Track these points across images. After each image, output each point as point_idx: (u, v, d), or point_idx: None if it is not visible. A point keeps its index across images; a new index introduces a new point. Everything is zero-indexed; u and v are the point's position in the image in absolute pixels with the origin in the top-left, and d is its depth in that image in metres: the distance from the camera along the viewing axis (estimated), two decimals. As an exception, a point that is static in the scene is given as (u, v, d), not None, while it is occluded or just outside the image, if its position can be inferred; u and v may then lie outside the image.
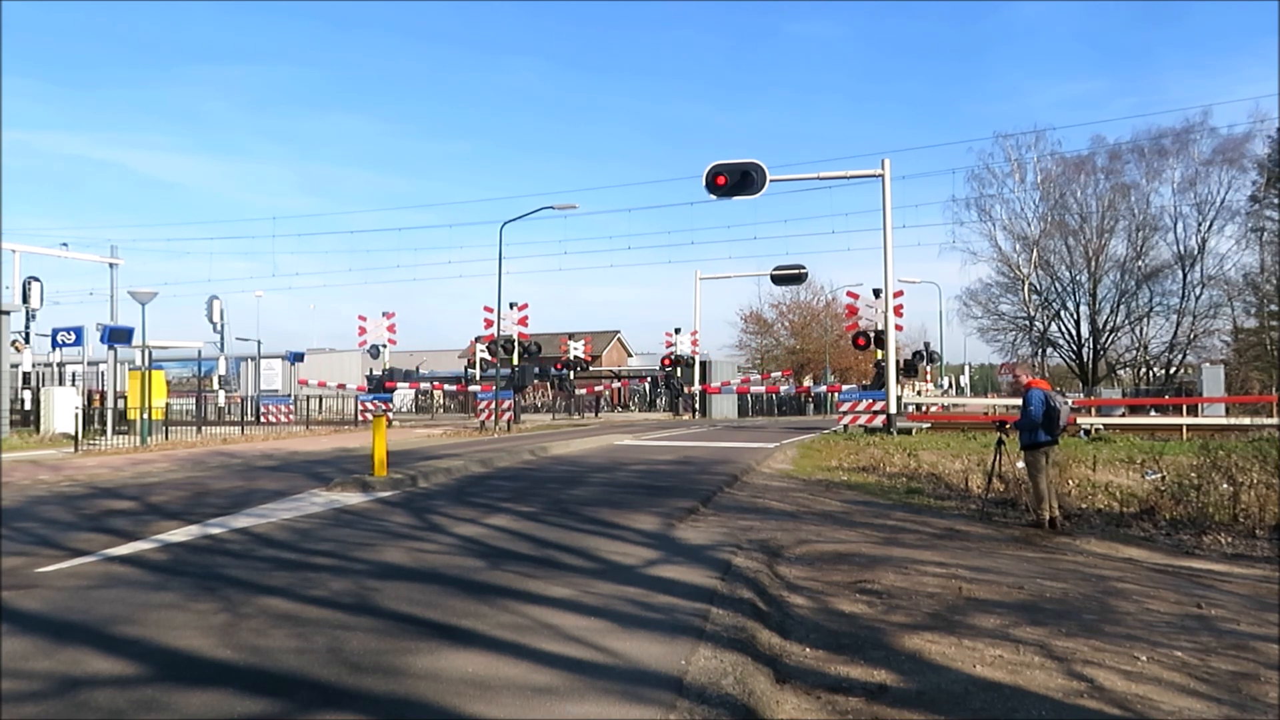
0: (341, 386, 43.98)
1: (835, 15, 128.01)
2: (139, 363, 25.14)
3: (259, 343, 42.86)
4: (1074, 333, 54.42)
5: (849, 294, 36.83)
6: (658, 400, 52.88)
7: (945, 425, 28.66)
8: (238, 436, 27.89)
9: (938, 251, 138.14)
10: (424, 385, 54.58)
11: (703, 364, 51.36)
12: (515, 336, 36.56)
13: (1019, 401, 11.60)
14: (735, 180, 26.12)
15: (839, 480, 15.30)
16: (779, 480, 15.28)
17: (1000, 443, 12.40)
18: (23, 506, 11.59)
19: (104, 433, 24.33)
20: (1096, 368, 52.85)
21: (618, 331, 70.50)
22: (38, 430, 26.03)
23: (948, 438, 24.14)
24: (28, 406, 28.96)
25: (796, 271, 44.51)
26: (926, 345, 46.89)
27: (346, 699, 4.44)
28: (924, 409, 32.65)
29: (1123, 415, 30.40)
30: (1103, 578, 7.77)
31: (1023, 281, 54.02)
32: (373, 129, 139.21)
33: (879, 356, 31.08)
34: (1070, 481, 14.13)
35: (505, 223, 35.79)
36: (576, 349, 47.38)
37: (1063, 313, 54.81)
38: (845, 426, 29.45)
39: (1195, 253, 50.39)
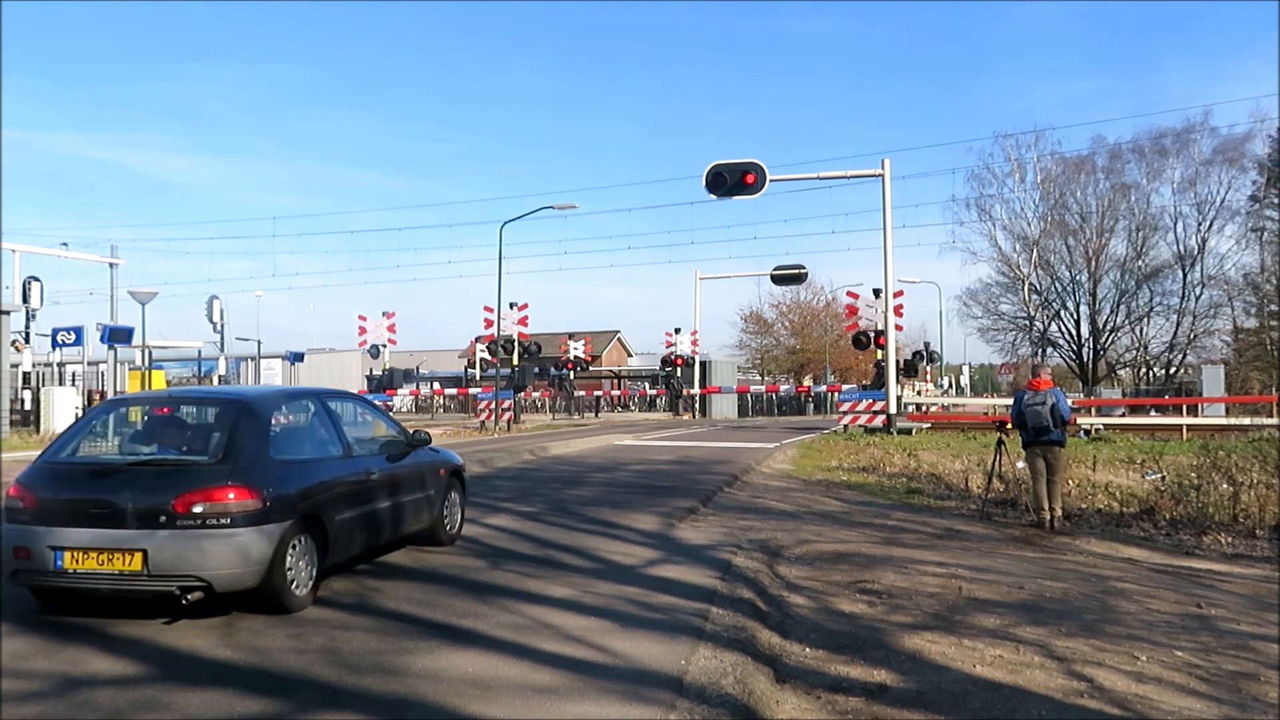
0: None
1: (835, 14, 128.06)
2: (139, 363, 25.17)
3: (259, 343, 42.92)
4: (1074, 333, 54.39)
5: (849, 294, 36.80)
6: (657, 400, 52.85)
7: (945, 425, 28.61)
8: (238, 436, 27.86)
9: (938, 251, 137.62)
10: (424, 390, 54.62)
11: (703, 364, 51.34)
12: (515, 336, 36.55)
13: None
14: (735, 180, 26.08)
15: (839, 480, 15.30)
16: (779, 480, 15.27)
17: (1000, 443, 12.39)
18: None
19: (104, 433, 24.32)
20: (1096, 368, 52.80)
21: (618, 331, 70.45)
22: (38, 430, 26.00)
23: (948, 438, 24.12)
24: (28, 406, 28.94)
25: (796, 271, 44.45)
26: (926, 345, 46.81)
27: (346, 698, 4.44)
28: (924, 409, 32.60)
29: (1123, 415, 30.36)
30: (1103, 578, 7.77)
31: (1023, 281, 53.99)
32: (373, 129, 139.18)
33: (879, 356, 31.04)
34: (1070, 481, 14.11)
35: (505, 223, 35.72)
36: (576, 349, 47.34)
37: (1063, 313, 54.79)
38: (845, 426, 29.42)
39: (1195, 253, 50.34)
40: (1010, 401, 17.30)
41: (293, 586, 6.02)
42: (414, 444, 7.95)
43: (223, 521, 5.64)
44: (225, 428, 6.31)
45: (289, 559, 5.97)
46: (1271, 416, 21.54)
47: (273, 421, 6.53)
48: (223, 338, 38.41)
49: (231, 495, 5.70)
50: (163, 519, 5.60)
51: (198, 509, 5.62)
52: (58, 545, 5.65)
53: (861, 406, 29.74)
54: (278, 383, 50.90)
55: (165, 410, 6.98)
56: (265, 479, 5.94)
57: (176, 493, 5.66)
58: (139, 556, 5.54)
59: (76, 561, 5.62)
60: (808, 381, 62.14)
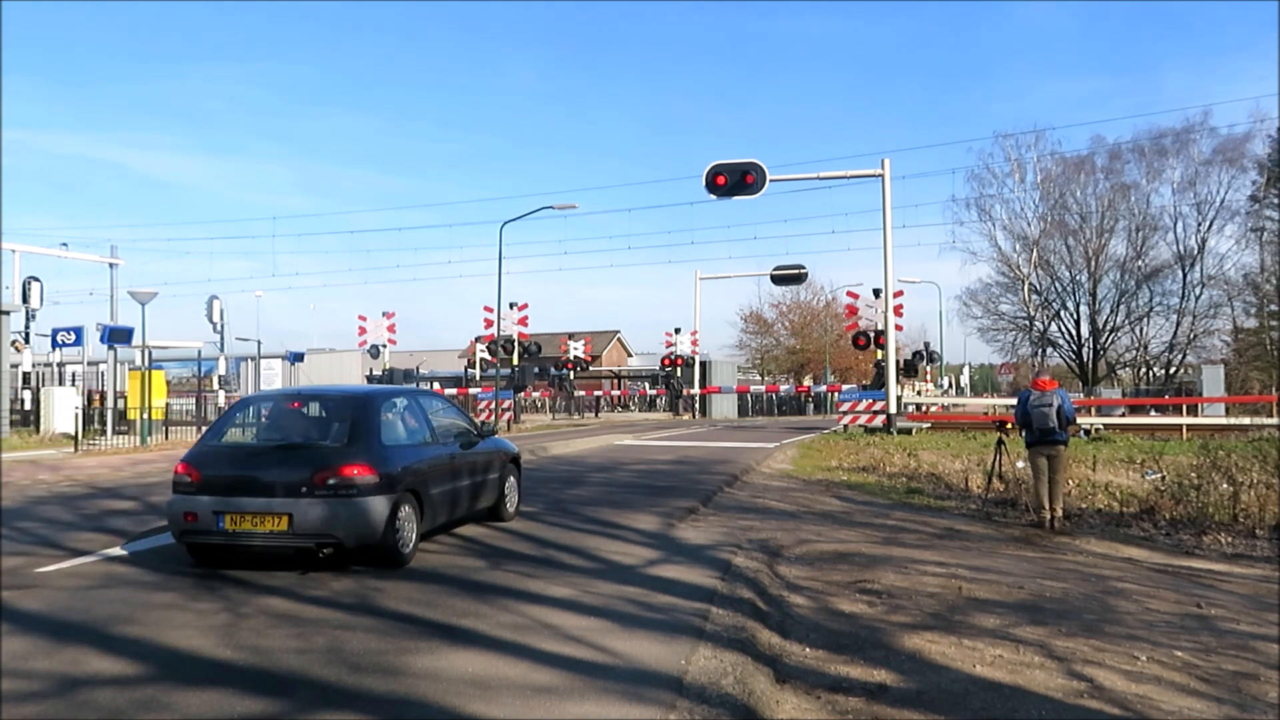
0: None
1: (835, 14, 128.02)
2: (139, 363, 25.12)
3: (259, 343, 42.78)
4: (1074, 333, 54.40)
5: (849, 294, 36.83)
6: (657, 400, 52.84)
7: (945, 425, 28.62)
8: (238, 436, 27.82)
9: (938, 251, 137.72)
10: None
11: (703, 364, 51.34)
12: (515, 336, 36.57)
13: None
14: (735, 180, 26.09)
15: (839, 480, 15.29)
16: (779, 480, 15.27)
17: (1000, 443, 12.40)
18: (23, 506, 11.59)
19: (104, 433, 24.31)
20: (1096, 368, 52.80)
21: (618, 331, 70.41)
22: (38, 430, 26.00)
23: (948, 438, 24.13)
24: (28, 406, 28.92)
25: (796, 271, 44.45)
26: (926, 345, 46.83)
27: (347, 699, 4.44)
28: (924, 409, 32.58)
29: (1123, 415, 30.36)
30: (1103, 577, 7.77)
31: (1023, 281, 54.00)
32: (373, 129, 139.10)
33: (879, 356, 31.06)
34: (1070, 481, 14.11)
35: (505, 223, 35.63)
36: (576, 349, 47.34)
37: (1063, 313, 54.80)
38: (845, 426, 29.43)
39: (1195, 253, 50.37)
40: (1012, 401, 17.34)
41: (400, 545, 7.46)
42: (482, 434, 9.57)
43: (350, 492, 7.12)
44: (346, 419, 7.81)
45: (398, 523, 7.40)
46: (1271, 416, 21.54)
47: (381, 414, 7.98)
48: (223, 338, 38.34)
49: (356, 472, 7.18)
50: (304, 489, 7.08)
51: (331, 482, 7.10)
52: (220, 511, 7.13)
53: (861, 406, 29.75)
54: (277, 384, 51.05)
55: (295, 405, 8.59)
56: (380, 459, 7.44)
57: (314, 469, 7.17)
58: (286, 519, 7.01)
59: (235, 523, 7.09)
60: (808, 381, 62.15)
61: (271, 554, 7.42)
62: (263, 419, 8.62)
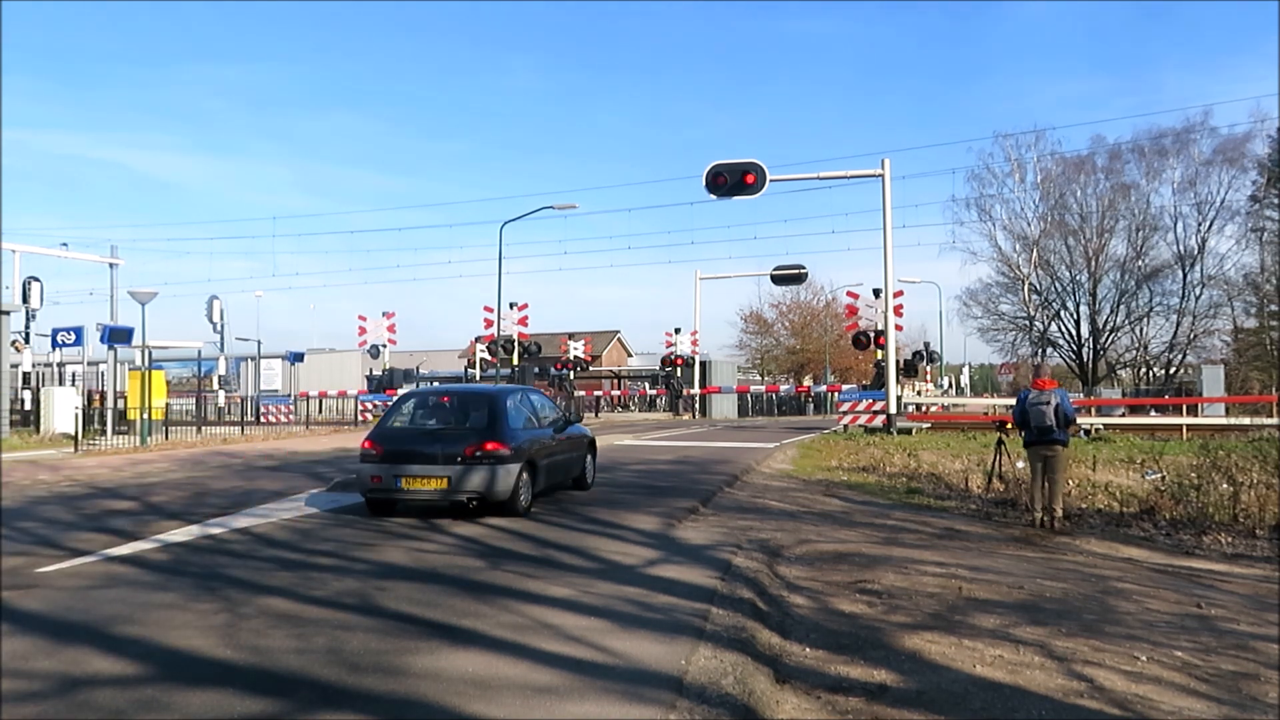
0: (343, 393, 43.96)
1: (835, 15, 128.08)
2: (139, 363, 25.11)
3: (259, 343, 42.77)
4: (1074, 333, 54.35)
5: (849, 294, 36.82)
6: (657, 400, 52.78)
7: (945, 425, 28.58)
8: (238, 436, 27.87)
9: (938, 251, 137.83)
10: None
11: (703, 364, 51.30)
12: (515, 336, 36.59)
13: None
14: (735, 180, 26.05)
15: (839, 480, 15.28)
16: (779, 480, 15.26)
17: (1000, 443, 12.40)
18: (23, 506, 11.59)
19: (104, 433, 24.30)
20: (1096, 368, 52.76)
21: (618, 331, 70.32)
22: (38, 430, 26.00)
23: (948, 438, 24.11)
24: (28, 406, 28.94)
25: (796, 271, 44.40)
26: (926, 345, 46.81)
27: (347, 699, 4.44)
28: (924, 409, 32.54)
29: (1123, 415, 30.32)
30: (1103, 577, 7.77)
31: (1023, 281, 53.95)
32: (373, 129, 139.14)
33: (879, 356, 31.04)
34: (1070, 481, 14.10)
35: (505, 223, 35.78)
36: (576, 349, 47.33)
37: (1063, 313, 54.73)
38: (845, 426, 29.39)
39: (1195, 253, 50.29)
40: (1012, 401, 17.34)
41: (522, 501, 10.21)
42: (569, 422, 12.32)
43: (491, 461, 9.87)
44: (484, 409, 10.65)
45: (520, 485, 10.14)
46: (1271, 416, 21.52)
47: (507, 405, 10.67)
48: (223, 338, 38.38)
49: (494, 447, 9.92)
50: (459, 459, 9.84)
51: (478, 454, 9.86)
52: (399, 475, 9.93)
53: (861, 406, 29.70)
54: (277, 385, 51.30)
55: (445, 399, 11.59)
56: (509, 438, 10.19)
57: (464, 445, 9.95)
58: (446, 480, 9.81)
59: (409, 483, 9.91)
60: (808, 381, 62.08)
61: (432, 507, 10.10)
62: (419, 410, 11.28)
